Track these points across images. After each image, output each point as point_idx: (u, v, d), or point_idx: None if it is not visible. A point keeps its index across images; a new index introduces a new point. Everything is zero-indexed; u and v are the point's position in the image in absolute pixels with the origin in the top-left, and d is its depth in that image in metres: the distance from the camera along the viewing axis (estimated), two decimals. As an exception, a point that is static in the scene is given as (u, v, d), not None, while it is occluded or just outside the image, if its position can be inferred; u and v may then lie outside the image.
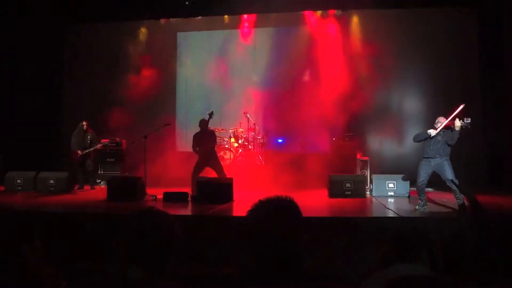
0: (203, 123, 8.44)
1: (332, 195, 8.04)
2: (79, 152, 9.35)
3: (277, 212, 1.72)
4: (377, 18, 10.54)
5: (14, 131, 11.07)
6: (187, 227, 5.25)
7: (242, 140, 10.61)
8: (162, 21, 11.94)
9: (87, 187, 9.45)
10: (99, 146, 9.72)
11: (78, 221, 5.78)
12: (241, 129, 10.71)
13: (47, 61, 11.60)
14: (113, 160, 10.53)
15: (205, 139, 8.30)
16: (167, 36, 12.04)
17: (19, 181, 9.16)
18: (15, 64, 11.16)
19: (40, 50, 11.36)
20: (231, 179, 7.88)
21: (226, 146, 10.63)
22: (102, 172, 10.45)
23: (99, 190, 9.23)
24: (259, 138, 10.72)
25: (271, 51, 11.61)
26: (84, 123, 9.59)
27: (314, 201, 7.44)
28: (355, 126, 10.46)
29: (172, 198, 7.63)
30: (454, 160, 6.72)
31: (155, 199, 7.76)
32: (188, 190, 7.99)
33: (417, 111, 10.40)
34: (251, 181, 9.38)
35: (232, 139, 10.66)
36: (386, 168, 9.38)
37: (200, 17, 11.63)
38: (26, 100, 11.25)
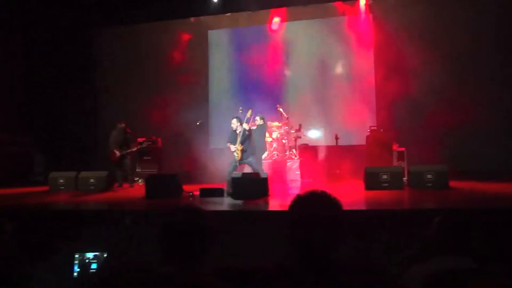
0: (239, 120, 8.43)
1: (368, 187, 7.91)
2: (117, 152, 9.57)
3: (318, 206, 1.71)
4: (409, 6, 10.28)
5: (56, 133, 11.52)
6: (224, 223, 5.30)
7: (276, 134, 10.58)
8: (192, 19, 12.06)
9: (126, 185, 9.67)
10: (134, 149, 9.86)
11: (119, 218, 5.93)
12: (274, 124, 10.68)
13: (82, 64, 11.97)
14: (149, 158, 10.75)
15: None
16: (198, 34, 12.16)
17: (61, 181, 9.44)
18: (52, 69, 11.56)
19: (75, 54, 11.73)
20: (266, 174, 7.88)
21: (260, 141, 10.63)
22: (139, 170, 10.68)
23: (138, 188, 9.43)
24: (293, 132, 10.66)
25: (302, 44, 11.56)
26: (123, 124, 9.79)
27: (350, 194, 7.35)
28: (390, 116, 10.27)
29: (208, 194, 7.70)
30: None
31: (192, 196, 7.85)
32: (223, 185, 8.05)
33: (453, 99, 10.09)
34: (286, 175, 9.38)
35: (266, 134, 10.64)
36: (424, 159, 9.16)
37: (229, 13, 11.67)
38: (66, 104, 11.67)
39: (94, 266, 2.46)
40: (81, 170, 9.49)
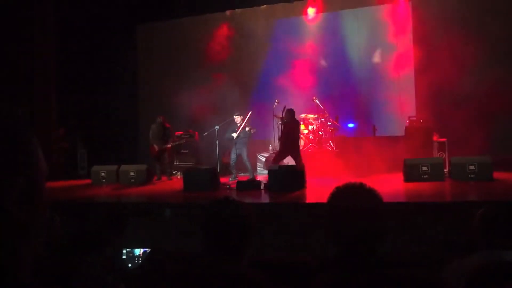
0: (290, 114, 8.47)
1: (408, 179, 7.75)
2: (156, 146, 9.77)
3: (358, 198, 1.70)
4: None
5: (97, 127, 11.89)
6: (262, 215, 5.34)
7: (312, 126, 10.50)
8: (228, 13, 12.12)
9: (164, 178, 9.87)
10: (169, 146, 9.95)
11: (159, 211, 6.08)
12: (310, 115, 10.60)
13: (123, 59, 12.25)
14: (187, 151, 10.92)
15: (291, 129, 8.35)
16: (235, 27, 12.22)
17: (103, 174, 9.72)
18: (93, 64, 11.91)
19: (116, 49, 12.02)
20: (303, 166, 7.87)
21: (296, 133, 10.60)
22: (177, 163, 10.87)
23: (176, 181, 9.61)
24: (329, 124, 10.56)
25: (338, 34, 11.40)
26: (161, 118, 9.96)
27: (389, 186, 7.22)
28: (430, 106, 9.97)
29: (245, 186, 7.75)
30: None
31: (229, 188, 7.93)
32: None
33: (496, 87, 9.66)
34: (322, 167, 9.32)
35: (302, 126, 10.60)
36: (466, 149, 8.86)
37: (265, 5, 11.65)
38: (107, 99, 12.02)
39: (138, 259, 2.54)
40: (121, 164, 9.75)
